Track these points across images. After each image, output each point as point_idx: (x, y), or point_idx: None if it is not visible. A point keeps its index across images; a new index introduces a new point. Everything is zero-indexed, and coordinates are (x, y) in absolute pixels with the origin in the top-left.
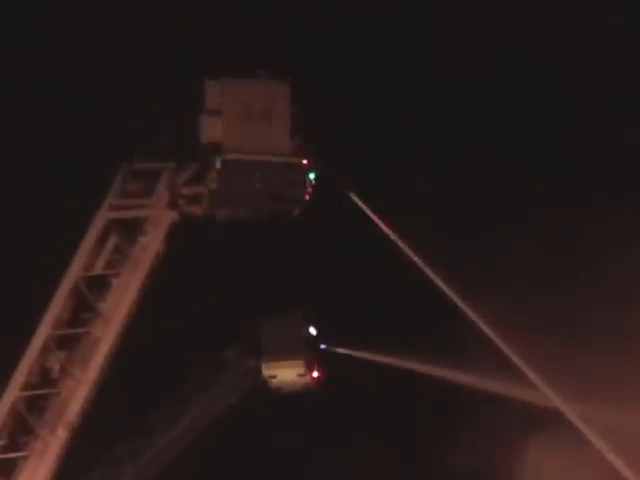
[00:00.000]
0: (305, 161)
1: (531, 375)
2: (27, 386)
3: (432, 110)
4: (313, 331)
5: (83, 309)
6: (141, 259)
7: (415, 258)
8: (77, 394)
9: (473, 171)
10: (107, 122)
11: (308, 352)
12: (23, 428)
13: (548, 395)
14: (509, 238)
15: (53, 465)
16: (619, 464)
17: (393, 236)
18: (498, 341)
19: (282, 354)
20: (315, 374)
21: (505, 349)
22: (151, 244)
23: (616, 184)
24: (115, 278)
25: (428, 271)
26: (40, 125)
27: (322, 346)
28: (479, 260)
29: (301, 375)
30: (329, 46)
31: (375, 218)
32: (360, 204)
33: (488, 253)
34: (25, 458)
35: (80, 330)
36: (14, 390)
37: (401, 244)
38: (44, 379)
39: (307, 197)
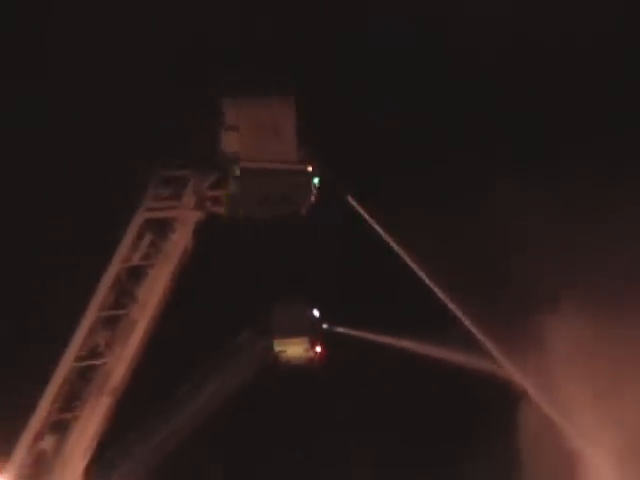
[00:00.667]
0: (310, 168)
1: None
2: (78, 358)
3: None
4: (316, 313)
5: (123, 295)
6: (171, 252)
7: (403, 254)
8: (118, 366)
9: None
10: (141, 134)
11: (312, 331)
12: (75, 394)
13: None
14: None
15: (99, 426)
16: (569, 430)
17: (382, 232)
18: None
19: (290, 332)
20: (318, 349)
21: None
22: (180, 240)
23: None
24: (150, 269)
25: (416, 268)
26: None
27: (324, 326)
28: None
29: (307, 351)
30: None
31: (367, 217)
32: (355, 205)
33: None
34: (76, 419)
35: (120, 312)
36: (68, 361)
37: (389, 239)
38: (92, 353)
39: (312, 199)
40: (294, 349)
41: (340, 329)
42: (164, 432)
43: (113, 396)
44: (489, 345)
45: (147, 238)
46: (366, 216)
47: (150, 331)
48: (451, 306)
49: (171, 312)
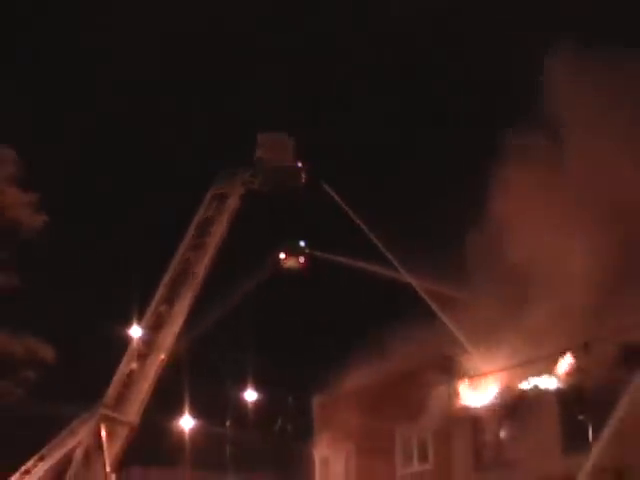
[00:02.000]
0: (300, 164)
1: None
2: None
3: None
4: (302, 243)
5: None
6: (229, 211)
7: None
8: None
9: None
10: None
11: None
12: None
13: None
14: None
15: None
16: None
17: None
18: None
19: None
20: (302, 260)
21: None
22: (232, 203)
23: None
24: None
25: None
26: None
27: (303, 244)
28: None
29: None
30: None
31: (340, 201)
32: (330, 192)
33: None
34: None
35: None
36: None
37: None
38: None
39: (303, 180)
40: (291, 262)
41: (317, 253)
42: None
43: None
44: None
45: (214, 203)
46: (335, 197)
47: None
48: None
49: None
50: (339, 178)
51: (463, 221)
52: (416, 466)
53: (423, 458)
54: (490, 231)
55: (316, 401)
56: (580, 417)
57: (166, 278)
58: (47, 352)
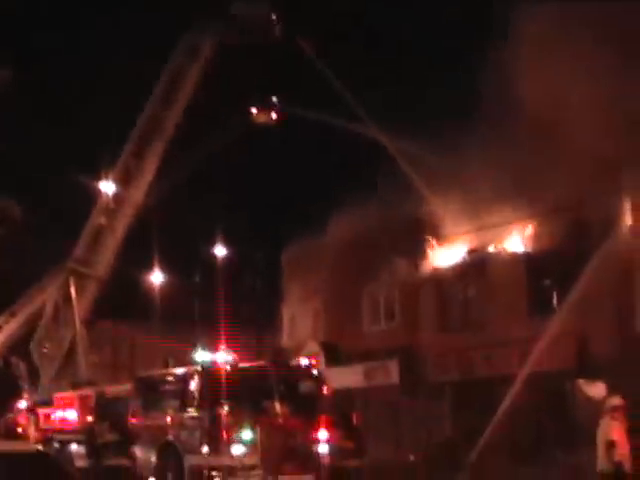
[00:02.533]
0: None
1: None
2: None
3: None
4: (275, 99)
5: None
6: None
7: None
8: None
9: None
10: None
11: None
12: None
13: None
14: None
15: None
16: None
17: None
18: None
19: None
20: (274, 116)
21: None
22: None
23: None
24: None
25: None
26: None
27: (275, 100)
28: None
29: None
30: None
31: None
32: (305, 47)
33: None
34: None
35: None
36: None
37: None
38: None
39: (277, 32)
40: (262, 117)
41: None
42: None
43: None
44: None
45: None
46: (310, 52)
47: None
48: None
49: None
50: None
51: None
52: (383, 324)
53: (390, 317)
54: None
55: (285, 258)
56: (546, 282)
57: (136, 132)
58: (15, 210)
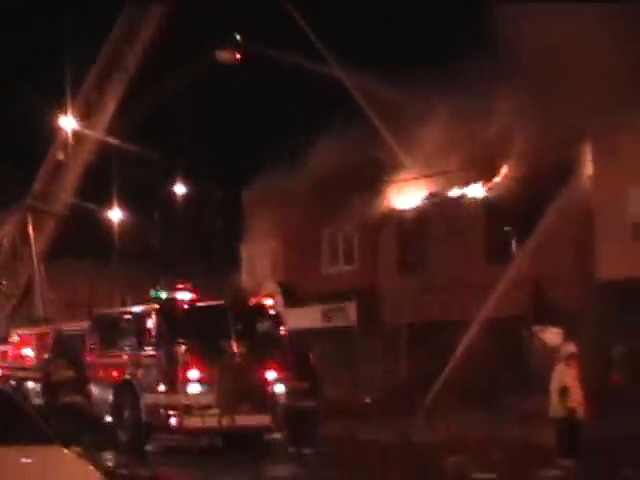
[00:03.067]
0: None
1: None
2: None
3: None
4: (238, 38)
5: None
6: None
7: None
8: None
9: None
10: None
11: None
12: None
13: None
14: None
15: None
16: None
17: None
18: None
19: None
20: (238, 56)
21: None
22: None
23: None
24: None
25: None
26: None
27: (238, 37)
28: None
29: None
30: None
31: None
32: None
33: None
34: None
35: None
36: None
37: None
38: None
39: None
40: (225, 56)
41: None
42: None
43: None
44: None
45: None
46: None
47: None
48: None
49: None
50: None
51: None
52: (341, 266)
53: (349, 259)
54: None
55: (245, 198)
56: (505, 228)
57: (96, 67)
58: None
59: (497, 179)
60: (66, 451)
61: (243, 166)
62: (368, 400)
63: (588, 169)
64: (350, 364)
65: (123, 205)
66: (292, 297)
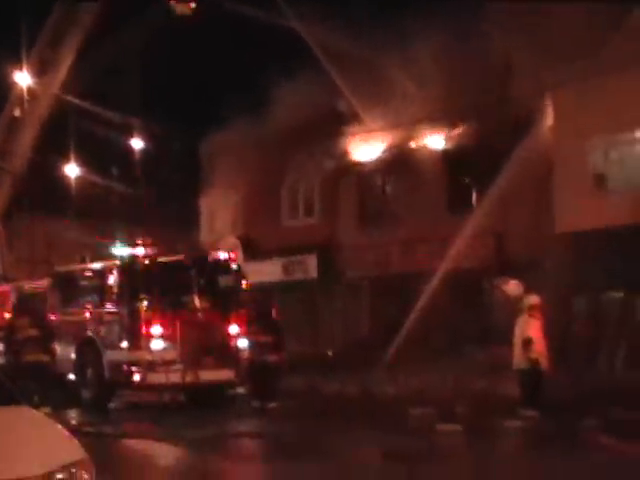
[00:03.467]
0: None
1: None
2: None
3: None
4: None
5: None
6: None
7: None
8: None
9: None
10: None
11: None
12: None
13: None
14: None
15: None
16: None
17: None
18: None
19: None
20: (193, 5)
21: None
22: None
23: None
24: None
25: None
26: None
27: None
28: None
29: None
30: None
31: None
32: None
33: None
34: None
35: None
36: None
37: None
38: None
39: None
40: (181, 9)
41: None
42: None
43: None
44: None
45: None
46: None
47: None
48: None
49: None
50: None
51: None
52: (302, 219)
53: (309, 212)
54: None
55: (203, 151)
56: (466, 180)
57: (51, 21)
58: None
59: (458, 131)
60: (35, 412)
61: (201, 119)
62: (330, 353)
63: (549, 120)
64: (311, 317)
65: (80, 161)
66: (252, 251)
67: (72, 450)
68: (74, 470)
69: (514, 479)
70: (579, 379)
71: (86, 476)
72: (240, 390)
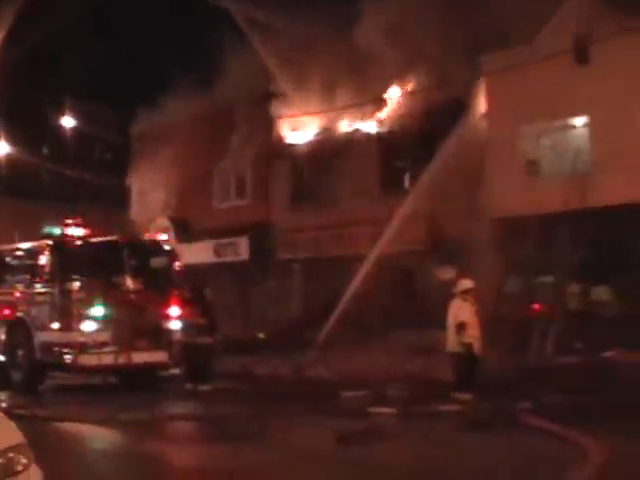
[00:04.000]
0: None
1: None
2: None
3: None
4: None
5: None
6: None
7: None
8: None
9: None
10: None
11: None
12: None
13: None
14: None
15: None
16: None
17: None
18: None
19: None
20: None
21: None
22: None
23: None
24: None
25: None
26: None
27: None
28: None
29: None
30: None
31: None
32: None
33: None
34: None
35: None
36: None
37: None
38: None
39: None
40: None
41: None
42: None
43: None
44: None
45: None
46: None
47: None
48: None
49: None
50: None
51: None
52: (234, 201)
53: (241, 194)
54: None
55: (135, 130)
56: (399, 163)
57: None
58: None
59: (391, 114)
60: None
61: (134, 98)
62: (262, 335)
63: (480, 106)
64: (243, 299)
65: (10, 140)
66: (184, 232)
67: (9, 434)
68: (12, 455)
69: (449, 462)
70: (511, 363)
71: (24, 460)
72: (173, 372)
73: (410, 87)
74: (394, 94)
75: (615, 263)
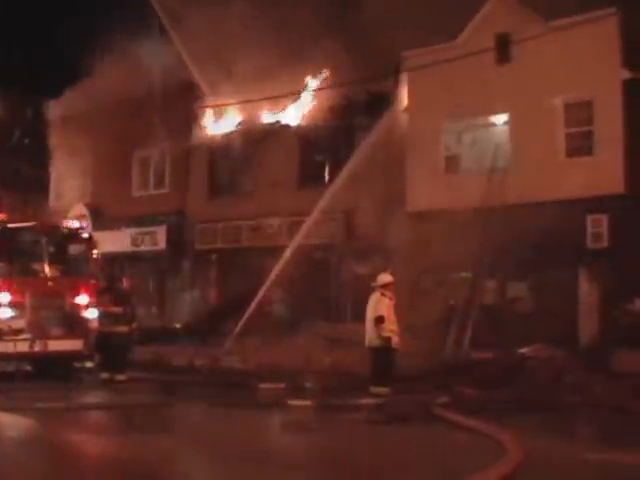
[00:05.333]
0: None
1: None
2: None
3: None
4: None
5: None
6: None
7: None
8: None
9: None
10: None
11: None
12: None
13: None
14: None
15: None
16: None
17: None
18: None
19: None
20: None
21: None
22: None
23: None
24: None
25: None
26: None
27: None
28: None
29: None
30: None
31: None
32: None
33: None
34: None
35: None
36: None
37: None
38: None
39: None
40: None
41: None
42: None
43: None
44: None
45: None
46: None
47: None
48: None
49: None
50: None
51: None
52: (152, 190)
53: (159, 183)
54: None
55: (52, 115)
56: (318, 157)
57: None
58: None
59: (312, 107)
60: None
61: (52, 83)
62: (178, 325)
63: (402, 101)
64: (160, 289)
65: None
66: (101, 220)
67: None
68: None
69: (365, 455)
70: (429, 357)
71: None
72: (89, 361)
73: (332, 81)
74: (316, 87)
75: (532, 260)
